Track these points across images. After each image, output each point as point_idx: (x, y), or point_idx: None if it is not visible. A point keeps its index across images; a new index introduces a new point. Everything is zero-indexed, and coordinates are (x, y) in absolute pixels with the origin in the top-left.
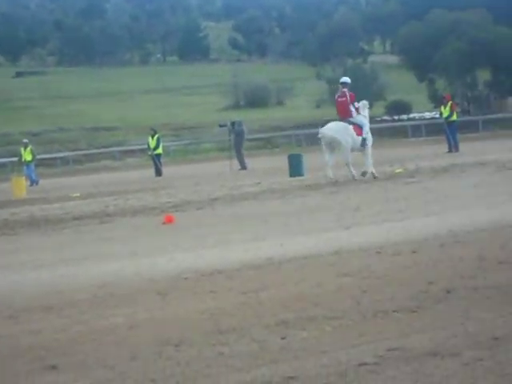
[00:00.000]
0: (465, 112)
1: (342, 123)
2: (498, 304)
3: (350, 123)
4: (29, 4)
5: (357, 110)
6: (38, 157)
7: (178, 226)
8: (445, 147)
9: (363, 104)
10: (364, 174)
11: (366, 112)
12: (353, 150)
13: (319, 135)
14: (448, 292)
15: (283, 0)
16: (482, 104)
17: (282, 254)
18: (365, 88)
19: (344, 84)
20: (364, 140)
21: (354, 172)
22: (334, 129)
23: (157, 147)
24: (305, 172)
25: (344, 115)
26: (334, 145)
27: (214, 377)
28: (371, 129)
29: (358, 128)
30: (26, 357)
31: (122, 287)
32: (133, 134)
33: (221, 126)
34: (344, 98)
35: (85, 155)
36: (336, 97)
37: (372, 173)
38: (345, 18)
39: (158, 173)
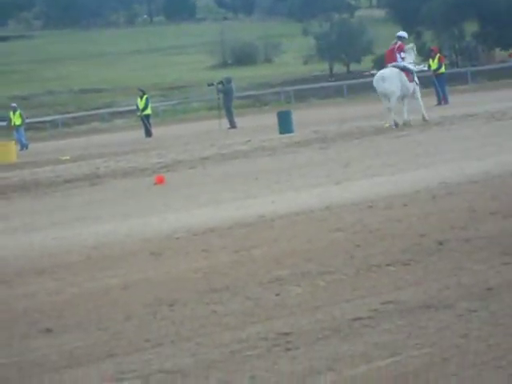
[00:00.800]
0: (453, 64)
1: (395, 70)
2: (490, 255)
3: (401, 69)
4: None
5: (403, 59)
6: (27, 120)
7: (170, 186)
8: (434, 100)
9: (409, 48)
10: (424, 119)
11: (412, 57)
12: (405, 96)
13: (374, 84)
14: (440, 244)
15: None
16: (469, 56)
17: (273, 211)
18: (352, 43)
19: (399, 38)
20: (417, 85)
21: (396, 119)
22: (386, 77)
23: (145, 108)
24: (294, 129)
25: (389, 61)
26: (388, 92)
27: (209, 335)
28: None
29: (409, 74)
30: (21, 320)
31: (114, 248)
32: (121, 95)
33: (209, 85)
34: (392, 47)
35: (74, 118)
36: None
37: (423, 116)
38: None
39: (148, 133)
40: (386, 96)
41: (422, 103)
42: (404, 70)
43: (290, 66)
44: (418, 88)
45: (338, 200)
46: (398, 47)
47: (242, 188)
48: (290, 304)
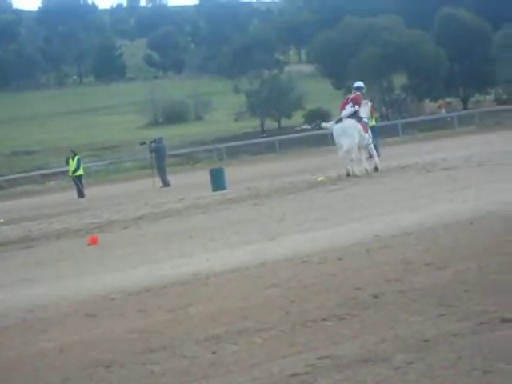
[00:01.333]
0: (383, 117)
1: (352, 121)
2: (426, 306)
3: (357, 120)
4: None
5: (356, 111)
6: None
7: (104, 247)
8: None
9: (365, 102)
10: (376, 169)
11: (366, 111)
12: (359, 147)
13: (331, 129)
14: (375, 297)
15: (196, 14)
16: (399, 108)
17: (208, 268)
18: (283, 98)
19: (357, 88)
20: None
21: (355, 169)
22: (346, 128)
23: (77, 169)
24: (227, 185)
25: (341, 110)
26: (343, 139)
27: None
28: (294, 138)
29: (364, 125)
30: None
31: (50, 311)
32: (53, 156)
33: (141, 144)
34: (347, 97)
35: (6, 180)
36: None
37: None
38: (259, 30)
39: (81, 194)
40: (346, 148)
41: (375, 153)
42: (359, 121)
43: (221, 124)
44: (370, 139)
45: (273, 256)
46: (354, 98)
47: (176, 247)
48: (226, 362)
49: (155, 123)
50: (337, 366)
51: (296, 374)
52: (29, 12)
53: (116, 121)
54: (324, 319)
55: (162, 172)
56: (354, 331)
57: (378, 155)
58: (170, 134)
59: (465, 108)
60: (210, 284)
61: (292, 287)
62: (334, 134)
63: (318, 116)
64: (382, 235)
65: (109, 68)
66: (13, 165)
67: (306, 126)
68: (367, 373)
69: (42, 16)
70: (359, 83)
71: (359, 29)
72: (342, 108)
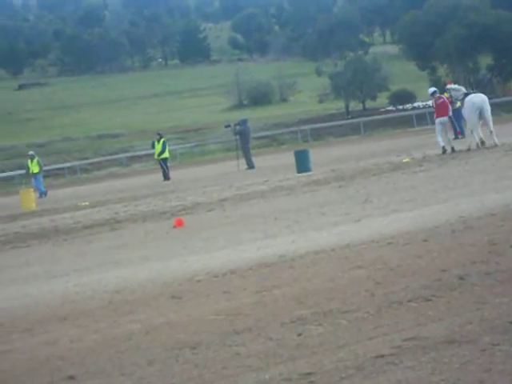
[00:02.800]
0: None
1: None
2: None
3: None
4: (27, 16)
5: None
6: (45, 168)
7: (189, 229)
8: (451, 134)
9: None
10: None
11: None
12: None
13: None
14: (461, 279)
15: None
16: (485, 88)
17: (293, 250)
18: (367, 80)
19: (434, 93)
20: None
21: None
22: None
23: (163, 151)
24: (312, 167)
25: (444, 112)
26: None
27: (232, 377)
28: (378, 119)
29: None
30: (44, 368)
31: (136, 293)
32: (138, 139)
33: (226, 126)
34: (441, 101)
35: (92, 163)
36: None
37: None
38: (343, 11)
39: (166, 177)
40: (486, 118)
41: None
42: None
43: (305, 105)
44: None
45: (358, 237)
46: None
47: (261, 228)
48: (312, 344)
49: (240, 105)
50: (422, 348)
51: (382, 356)
52: None
53: (201, 103)
54: (409, 301)
55: (246, 154)
56: (439, 313)
57: (464, 136)
58: (255, 116)
59: None
60: (295, 266)
61: (377, 269)
62: (481, 103)
63: (403, 97)
64: (467, 216)
65: (193, 51)
66: (98, 148)
67: (390, 107)
68: (453, 354)
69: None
70: (432, 89)
71: (445, 9)
72: (444, 108)
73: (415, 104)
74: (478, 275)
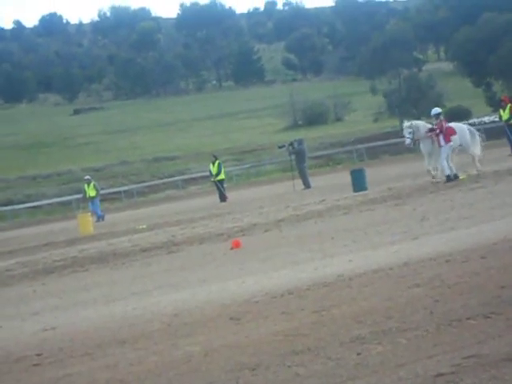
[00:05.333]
0: None
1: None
2: None
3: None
4: (82, 41)
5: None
6: (102, 192)
7: (246, 250)
8: (507, 150)
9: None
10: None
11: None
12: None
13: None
14: None
15: (333, 15)
16: None
17: (351, 269)
18: (422, 97)
19: (439, 115)
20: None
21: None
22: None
23: (219, 173)
24: (368, 186)
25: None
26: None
27: None
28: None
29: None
30: None
31: (194, 315)
32: (194, 161)
33: (279, 147)
34: (441, 124)
35: (148, 187)
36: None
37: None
38: (396, 29)
39: (222, 198)
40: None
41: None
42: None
43: (360, 124)
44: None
45: (416, 255)
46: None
47: (318, 248)
48: (371, 363)
49: (295, 126)
50: (482, 365)
51: (442, 374)
52: (167, 19)
53: (255, 124)
54: (468, 318)
55: (303, 174)
56: (499, 330)
57: None
58: (310, 136)
59: None
60: (353, 285)
61: (435, 287)
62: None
63: (459, 114)
64: None
65: (247, 72)
66: (155, 170)
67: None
68: None
69: (181, 22)
70: (436, 109)
71: (498, 25)
72: (448, 133)
73: (471, 120)
74: None
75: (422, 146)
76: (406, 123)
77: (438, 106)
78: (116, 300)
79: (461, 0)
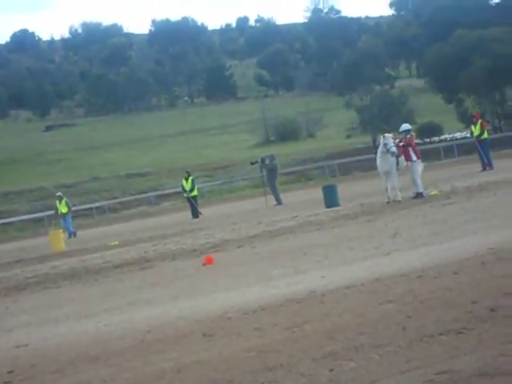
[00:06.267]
0: (496, 129)
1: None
2: None
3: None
4: (53, 57)
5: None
6: (74, 208)
7: (219, 266)
8: (478, 166)
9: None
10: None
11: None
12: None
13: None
14: (492, 310)
15: (305, 31)
16: None
17: (323, 285)
18: (394, 113)
19: (409, 131)
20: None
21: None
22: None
23: (192, 189)
24: (340, 202)
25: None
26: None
27: None
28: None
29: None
30: None
31: (167, 331)
32: (166, 177)
33: (252, 163)
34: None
35: (120, 203)
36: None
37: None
38: (368, 45)
39: (195, 214)
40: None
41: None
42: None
43: (333, 140)
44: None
45: (388, 271)
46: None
47: (291, 264)
48: (344, 379)
49: (267, 142)
50: (455, 381)
51: None
52: (139, 35)
53: (228, 140)
54: (441, 334)
55: (274, 190)
56: (471, 345)
57: (492, 168)
58: (282, 152)
59: None
60: (325, 301)
61: (408, 302)
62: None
63: (430, 130)
64: (498, 248)
65: (219, 88)
66: (127, 187)
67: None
68: None
69: (153, 38)
70: (405, 125)
71: (469, 41)
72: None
73: (442, 137)
74: (509, 307)
75: (381, 163)
76: (386, 135)
77: (408, 122)
78: (88, 316)
79: (432, 16)
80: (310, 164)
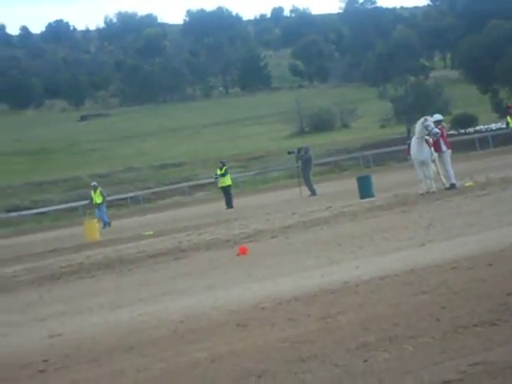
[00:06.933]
0: None
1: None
2: None
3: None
4: (89, 47)
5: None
6: (109, 198)
7: (253, 257)
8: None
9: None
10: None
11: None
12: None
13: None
14: None
15: (340, 22)
16: None
17: (357, 276)
18: (429, 104)
19: (440, 121)
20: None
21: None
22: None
23: (224, 175)
24: (375, 193)
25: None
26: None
27: None
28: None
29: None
30: None
31: (201, 321)
32: (200, 167)
33: (289, 152)
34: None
35: (154, 193)
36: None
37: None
38: (403, 36)
39: (229, 205)
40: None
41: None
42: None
43: (367, 131)
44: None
45: (422, 262)
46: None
47: (325, 255)
48: (378, 370)
49: (301, 132)
50: (489, 373)
51: (448, 381)
52: (174, 25)
53: (262, 131)
54: (475, 325)
55: (308, 181)
56: (505, 337)
57: None
58: (317, 143)
59: None
60: (359, 292)
61: (442, 293)
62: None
63: (465, 121)
64: None
65: (254, 78)
66: (161, 177)
67: (452, 132)
68: None
69: (187, 28)
70: (437, 116)
71: (504, 31)
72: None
73: (477, 128)
74: None
75: (416, 153)
76: (427, 117)
77: (443, 113)
78: (122, 306)
79: (467, 7)
80: (344, 155)
